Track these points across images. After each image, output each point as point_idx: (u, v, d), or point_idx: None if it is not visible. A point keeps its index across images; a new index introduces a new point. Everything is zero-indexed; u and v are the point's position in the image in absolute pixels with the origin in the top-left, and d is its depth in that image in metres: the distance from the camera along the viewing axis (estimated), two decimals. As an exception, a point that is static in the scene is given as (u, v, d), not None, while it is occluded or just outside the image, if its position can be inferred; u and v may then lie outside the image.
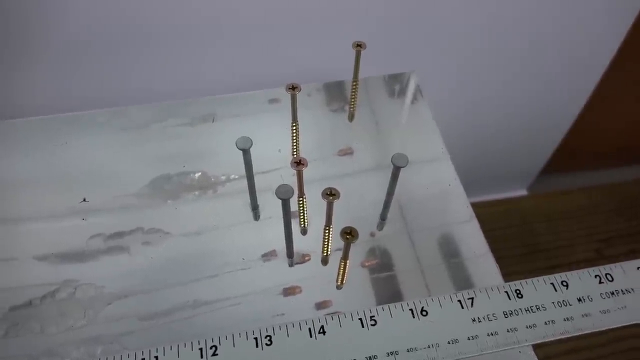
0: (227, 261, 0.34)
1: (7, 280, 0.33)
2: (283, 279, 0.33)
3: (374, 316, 0.26)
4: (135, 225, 0.36)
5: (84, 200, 0.35)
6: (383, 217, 0.32)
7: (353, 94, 0.36)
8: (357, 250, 0.35)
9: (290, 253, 0.30)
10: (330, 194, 0.24)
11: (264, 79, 0.51)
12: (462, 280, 0.33)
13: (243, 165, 0.38)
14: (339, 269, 0.29)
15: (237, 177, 0.38)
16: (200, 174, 0.38)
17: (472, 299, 0.27)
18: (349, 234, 0.23)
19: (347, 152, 0.39)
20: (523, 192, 0.77)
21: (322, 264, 0.32)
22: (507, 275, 0.63)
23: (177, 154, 0.39)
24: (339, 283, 0.30)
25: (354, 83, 0.34)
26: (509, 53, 0.56)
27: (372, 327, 0.26)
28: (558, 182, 0.75)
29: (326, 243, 0.30)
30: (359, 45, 0.30)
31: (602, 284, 0.28)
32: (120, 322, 0.32)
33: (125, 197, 0.37)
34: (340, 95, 0.42)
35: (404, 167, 0.25)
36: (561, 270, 0.56)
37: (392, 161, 0.25)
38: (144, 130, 0.40)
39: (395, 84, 0.42)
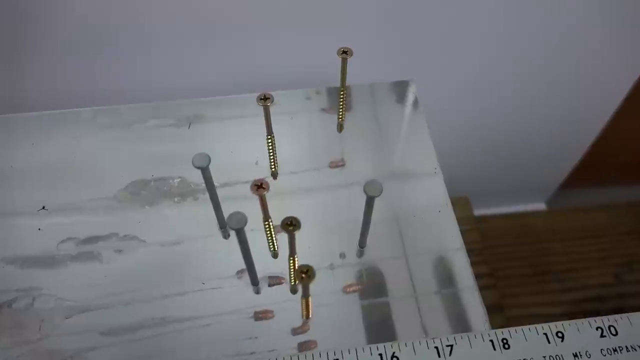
0: (200, 276, 0.32)
1: (-31, 283, 0.31)
2: (255, 301, 0.31)
3: (337, 359, 0.24)
4: (110, 231, 0.34)
5: (43, 208, 0.34)
6: (361, 245, 0.29)
7: (341, 103, 0.33)
8: (346, 272, 0.32)
9: (254, 281, 0.28)
10: (290, 224, 0.21)
11: (267, 81, 0.49)
12: (449, 315, 0.30)
13: (226, 173, 0.36)
14: (301, 304, 0.26)
15: (218, 184, 0.36)
16: (180, 179, 0.36)
17: (452, 346, 0.24)
18: (304, 274, 0.20)
19: (338, 164, 0.36)
20: (541, 205, 0.73)
21: (291, 292, 0.29)
22: (516, 297, 0.60)
23: (157, 157, 0.37)
24: (304, 318, 0.28)
25: (342, 92, 0.32)
26: (530, 59, 0.52)
27: (335, 371, 0.24)
28: (579, 197, 0.71)
29: (292, 273, 0.27)
30: (344, 52, 0.27)
31: (604, 338, 0.25)
32: (81, 336, 0.30)
33: (103, 200, 0.35)
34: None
35: (377, 196, 0.23)
36: (575, 294, 0.53)
37: (364, 190, 0.23)
38: (126, 130, 0.38)
39: (392, 92, 0.39)
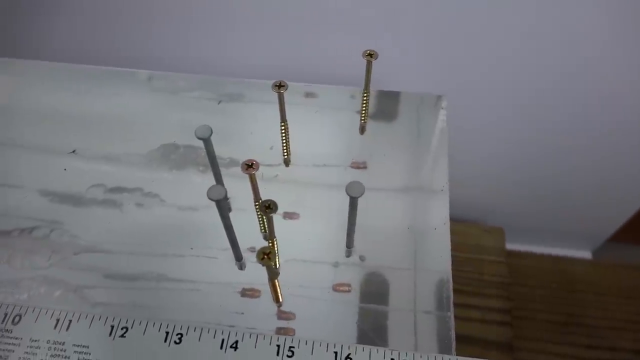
0: (200, 245, 0.33)
1: (4, 205, 0.35)
2: (245, 278, 0.32)
3: (293, 347, 0.24)
4: (136, 185, 0.36)
5: (74, 152, 0.37)
6: (348, 245, 0.30)
7: (364, 106, 0.33)
8: (349, 272, 0.32)
9: (237, 256, 0.29)
10: (268, 207, 0.22)
11: (317, 75, 0.50)
12: (418, 336, 0.30)
13: (254, 153, 0.38)
14: (270, 288, 0.27)
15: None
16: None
17: (408, 362, 0.24)
18: (266, 255, 0.21)
19: (360, 165, 0.36)
20: (587, 254, 0.68)
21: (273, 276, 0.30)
22: (533, 341, 0.57)
23: (192, 126, 0.38)
24: (275, 302, 0.28)
25: (365, 95, 0.32)
26: (592, 96, 0.49)
27: (288, 358, 0.24)
28: (629, 253, 0.65)
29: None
30: (369, 55, 0.27)
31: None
32: (85, 273, 0.32)
33: (136, 156, 0.38)
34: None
35: (359, 197, 0.23)
36: (601, 353, 0.50)
37: (346, 191, 0.23)
38: (172, 97, 0.40)
39: (426, 104, 0.39)
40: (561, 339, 0.55)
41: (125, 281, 0.32)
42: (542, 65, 0.47)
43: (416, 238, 0.32)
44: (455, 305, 0.30)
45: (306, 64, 0.49)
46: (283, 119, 0.30)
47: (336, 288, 0.32)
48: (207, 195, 0.22)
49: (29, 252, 0.32)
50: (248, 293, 0.32)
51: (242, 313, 0.31)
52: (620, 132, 0.53)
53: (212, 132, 0.25)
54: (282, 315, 0.31)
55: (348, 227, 0.27)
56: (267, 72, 0.49)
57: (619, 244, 0.66)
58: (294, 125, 0.35)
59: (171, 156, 0.37)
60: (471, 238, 0.55)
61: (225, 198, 0.22)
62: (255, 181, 0.26)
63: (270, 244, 0.26)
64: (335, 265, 0.33)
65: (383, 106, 0.39)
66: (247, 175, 0.35)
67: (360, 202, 0.34)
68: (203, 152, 0.37)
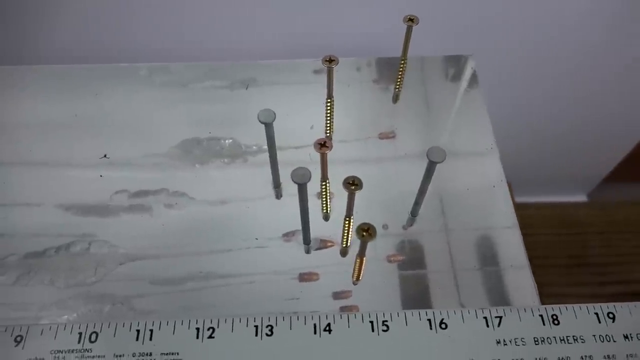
0: (246, 236, 0.33)
1: (28, 226, 0.32)
2: (301, 262, 0.31)
3: (386, 321, 0.24)
4: (160, 186, 0.35)
5: (105, 156, 0.35)
6: (413, 214, 0.29)
7: (400, 73, 0.32)
8: (388, 242, 0.32)
9: (306, 239, 0.28)
10: (353, 184, 0.21)
11: (315, 49, 0.49)
12: (496, 292, 0.30)
13: (293, 136, 0.37)
14: (355, 264, 0.27)
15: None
16: (231, 141, 0.36)
17: (501, 318, 0.24)
18: (365, 231, 0.21)
19: (388, 135, 0.36)
20: (583, 197, 0.71)
21: (341, 255, 0.30)
22: (550, 286, 0.59)
23: (210, 117, 0.37)
24: (354, 279, 0.28)
25: (402, 61, 0.31)
26: (587, 47, 0.50)
27: (384, 332, 0.24)
28: (623, 191, 0.69)
29: (346, 234, 0.27)
30: (410, 20, 0.27)
31: (657, 322, 0.24)
32: (131, 283, 0.31)
33: (155, 156, 0.36)
34: (392, 73, 0.39)
35: (440, 162, 0.23)
36: (614, 287, 0.52)
37: (427, 155, 0.22)
38: (182, 90, 0.39)
39: (450, 66, 0.39)
40: (572, 279, 0.57)
41: (173, 285, 0.31)
42: (538, 18, 0.48)
43: (476, 197, 0.32)
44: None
45: (307, 37, 0.48)
46: (330, 94, 0.29)
47: (390, 259, 0.32)
48: (292, 178, 0.21)
49: (71, 269, 0.30)
50: (306, 277, 0.31)
51: (298, 299, 0.31)
52: (611, 81, 0.55)
53: (275, 117, 0.24)
54: (339, 295, 0.31)
55: (418, 195, 0.27)
56: (266, 52, 0.48)
57: (611, 185, 0.69)
58: (314, 105, 0.34)
59: (194, 151, 0.36)
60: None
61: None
62: (326, 159, 0.25)
63: (347, 222, 0.26)
64: (385, 236, 0.33)
65: (410, 72, 0.38)
66: (288, 164, 0.35)
67: (400, 172, 0.34)
68: (227, 144, 0.37)
